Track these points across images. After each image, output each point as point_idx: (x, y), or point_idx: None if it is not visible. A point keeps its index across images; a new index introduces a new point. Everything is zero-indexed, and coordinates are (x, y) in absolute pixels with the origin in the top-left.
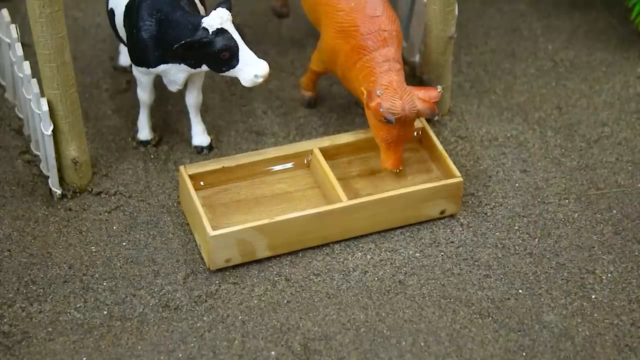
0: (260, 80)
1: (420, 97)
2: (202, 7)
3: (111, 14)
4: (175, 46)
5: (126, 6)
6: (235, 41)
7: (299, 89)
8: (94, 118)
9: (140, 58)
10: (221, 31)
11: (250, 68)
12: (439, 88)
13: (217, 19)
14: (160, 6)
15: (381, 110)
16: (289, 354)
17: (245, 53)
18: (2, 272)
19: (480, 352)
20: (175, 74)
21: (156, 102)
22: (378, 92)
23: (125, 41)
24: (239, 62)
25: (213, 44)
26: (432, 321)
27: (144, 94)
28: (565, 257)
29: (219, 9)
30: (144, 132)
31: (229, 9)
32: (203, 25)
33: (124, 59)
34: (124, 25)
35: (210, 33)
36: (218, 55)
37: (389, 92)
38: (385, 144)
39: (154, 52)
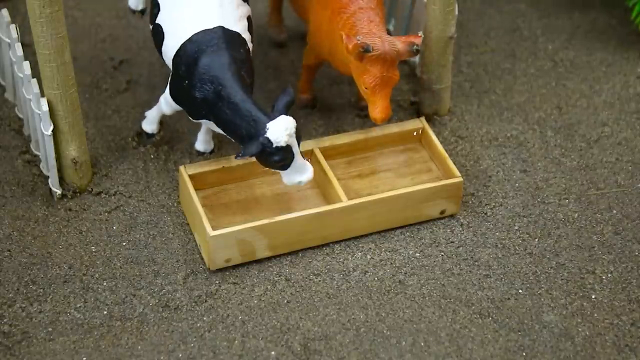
0: (302, 184)
1: (401, 40)
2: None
3: (158, 29)
4: (235, 156)
5: (182, 46)
6: (294, 154)
7: (297, 94)
8: (94, 118)
9: (182, 102)
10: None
11: (297, 175)
12: (420, 33)
13: (285, 136)
14: (219, 76)
15: (358, 41)
16: (289, 354)
17: (298, 162)
18: (2, 272)
19: (480, 352)
20: (210, 124)
21: (157, 103)
22: (358, 37)
23: (169, 67)
24: (289, 168)
25: (272, 155)
26: (432, 321)
27: (167, 112)
28: (565, 257)
29: (286, 120)
30: (153, 125)
31: (292, 102)
32: (268, 135)
33: (134, 2)
34: (173, 62)
35: (274, 146)
36: (271, 160)
37: (369, 35)
38: (370, 90)
39: (200, 110)
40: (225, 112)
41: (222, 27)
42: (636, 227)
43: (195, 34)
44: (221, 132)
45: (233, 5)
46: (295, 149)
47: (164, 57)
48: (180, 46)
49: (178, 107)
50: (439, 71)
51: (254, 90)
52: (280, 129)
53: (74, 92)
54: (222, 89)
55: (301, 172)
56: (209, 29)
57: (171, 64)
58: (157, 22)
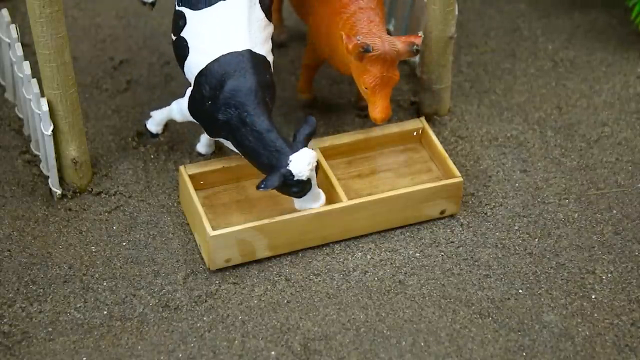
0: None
1: (401, 40)
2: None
3: (183, 43)
4: (257, 187)
5: (208, 65)
6: (312, 185)
7: (297, 95)
8: (94, 118)
9: (201, 120)
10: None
11: (311, 203)
12: (420, 33)
13: (307, 171)
14: (245, 102)
15: (358, 41)
16: (289, 354)
17: (314, 191)
18: (2, 272)
19: (480, 352)
20: (228, 144)
21: (157, 103)
22: (358, 37)
23: (189, 81)
24: (304, 197)
25: (292, 187)
26: (432, 321)
27: (178, 120)
28: (565, 257)
29: (308, 153)
30: (159, 126)
31: (314, 133)
32: (290, 167)
33: None
34: (197, 80)
35: (295, 179)
36: (290, 190)
37: (369, 35)
38: (370, 90)
39: (220, 131)
40: (247, 139)
41: (250, 51)
42: (636, 227)
43: (222, 55)
44: (237, 151)
45: (261, 26)
46: (314, 181)
47: (185, 71)
48: (207, 65)
49: (192, 119)
50: (439, 71)
51: None
52: (303, 163)
53: (74, 92)
54: (246, 116)
55: (315, 200)
56: (237, 52)
57: (193, 80)
58: (182, 35)
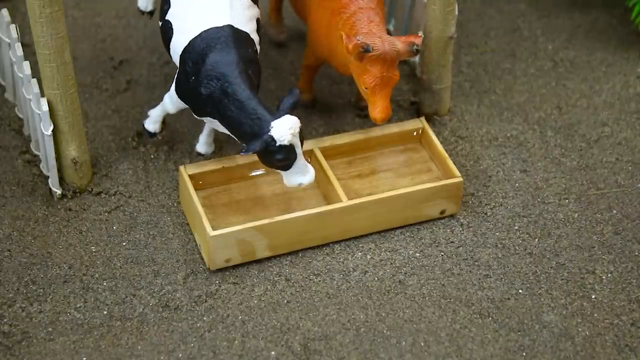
0: (302, 186)
1: (401, 40)
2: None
3: (168, 25)
4: (240, 152)
5: (190, 42)
6: (297, 154)
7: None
8: (94, 118)
9: (187, 99)
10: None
11: (298, 176)
12: (420, 33)
13: (289, 135)
14: (225, 73)
15: (358, 41)
16: (289, 354)
17: (300, 163)
18: (2, 272)
19: (480, 352)
20: (213, 122)
21: (157, 103)
22: (358, 37)
23: (176, 64)
24: (290, 169)
25: (275, 154)
26: (432, 321)
27: (171, 110)
28: (565, 257)
29: (290, 119)
30: (156, 124)
31: (298, 103)
32: (272, 133)
33: (144, 3)
34: (180, 59)
35: (277, 144)
36: (274, 159)
37: (369, 35)
38: (370, 90)
39: (205, 107)
40: (230, 110)
41: (231, 26)
42: (636, 227)
43: (204, 30)
44: (225, 131)
45: (244, 5)
46: (298, 150)
47: (171, 53)
48: (189, 42)
49: (182, 105)
50: (439, 71)
51: None
52: (284, 128)
53: (74, 92)
54: (228, 86)
55: (303, 174)
56: (218, 27)
57: (178, 60)
58: (166, 18)
